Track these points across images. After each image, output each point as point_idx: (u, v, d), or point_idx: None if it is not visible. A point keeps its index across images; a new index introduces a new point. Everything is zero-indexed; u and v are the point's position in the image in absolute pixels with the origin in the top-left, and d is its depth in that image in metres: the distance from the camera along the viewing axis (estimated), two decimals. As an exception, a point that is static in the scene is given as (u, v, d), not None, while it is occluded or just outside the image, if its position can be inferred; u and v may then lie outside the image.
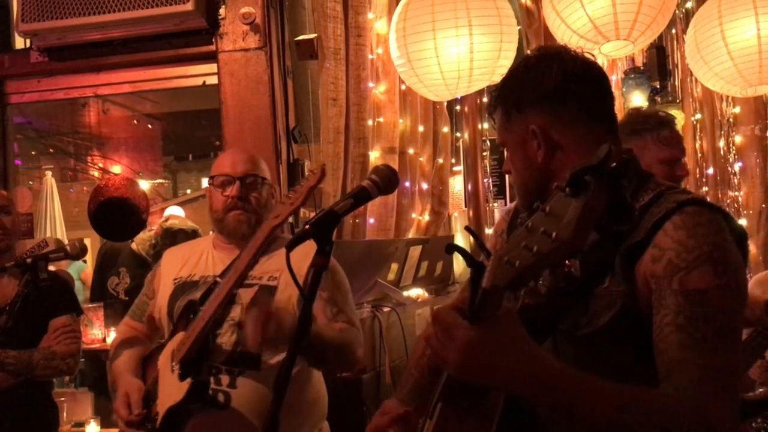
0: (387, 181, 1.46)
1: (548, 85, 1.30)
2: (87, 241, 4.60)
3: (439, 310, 1.07)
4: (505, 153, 1.43)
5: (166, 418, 1.77)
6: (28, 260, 2.42)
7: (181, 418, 1.77)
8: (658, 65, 3.57)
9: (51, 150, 5.94)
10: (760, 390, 2.33)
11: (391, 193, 1.51)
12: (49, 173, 5.66)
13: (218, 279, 1.96)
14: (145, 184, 5.83)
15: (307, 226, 1.35)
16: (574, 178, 0.87)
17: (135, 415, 1.85)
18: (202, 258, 2.11)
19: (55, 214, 5.64)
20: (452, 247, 1.13)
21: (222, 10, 3.17)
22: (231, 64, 3.20)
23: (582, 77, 1.31)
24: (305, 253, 1.37)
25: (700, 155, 3.82)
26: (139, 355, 2.07)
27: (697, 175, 3.79)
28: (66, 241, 3.23)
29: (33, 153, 5.81)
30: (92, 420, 3.35)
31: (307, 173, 1.82)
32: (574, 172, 0.87)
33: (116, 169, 6.52)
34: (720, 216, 1.19)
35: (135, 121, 6.06)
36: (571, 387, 1.02)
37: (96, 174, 6.54)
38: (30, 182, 5.69)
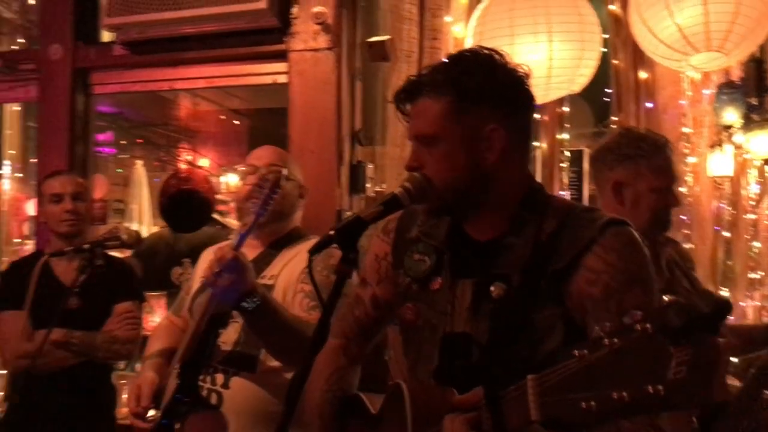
0: (420, 189, 1.38)
1: (517, 92, 1.30)
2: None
3: None
4: (419, 146, 1.34)
5: (162, 414, 1.81)
6: (86, 246, 2.50)
7: (175, 417, 1.79)
8: (756, 80, 3.29)
9: (140, 140, 6.17)
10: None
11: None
12: (140, 162, 5.89)
13: None
14: (234, 178, 5.99)
15: (331, 232, 1.30)
16: (680, 327, 0.80)
17: (141, 407, 1.91)
18: None
19: (143, 203, 5.85)
20: None
21: (294, 9, 3.17)
22: (300, 64, 3.18)
23: (531, 95, 1.33)
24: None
25: (800, 180, 3.50)
26: (169, 349, 2.09)
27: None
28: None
29: (123, 142, 6.06)
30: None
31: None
32: (686, 322, 0.79)
33: (204, 162, 6.69)
34: (633, 229, 1.27)
35: (222, 116, 6.21)
36: None
37: (183, 166, 6.75)
38: (118, 170, 5.94)
